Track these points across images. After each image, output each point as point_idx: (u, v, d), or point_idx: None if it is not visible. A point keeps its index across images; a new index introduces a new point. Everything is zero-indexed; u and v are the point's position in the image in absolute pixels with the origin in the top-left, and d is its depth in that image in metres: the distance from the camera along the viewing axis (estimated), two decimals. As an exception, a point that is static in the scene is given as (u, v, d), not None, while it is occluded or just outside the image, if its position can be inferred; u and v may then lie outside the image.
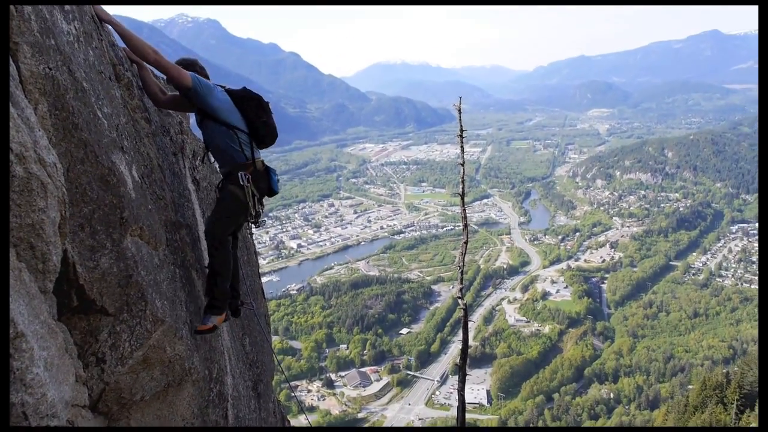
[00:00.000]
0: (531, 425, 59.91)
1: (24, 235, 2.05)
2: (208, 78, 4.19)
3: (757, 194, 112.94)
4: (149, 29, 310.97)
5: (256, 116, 4.10)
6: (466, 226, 8.52)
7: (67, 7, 2.68)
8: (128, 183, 2.84)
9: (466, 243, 8.50)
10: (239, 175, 3.96)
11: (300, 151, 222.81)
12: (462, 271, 8.51)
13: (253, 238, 8.13)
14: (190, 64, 4.13)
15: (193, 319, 3.61)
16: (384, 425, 62.64)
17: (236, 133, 4.00)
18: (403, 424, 62.47)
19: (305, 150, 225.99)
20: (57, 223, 2.26)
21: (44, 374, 2.09)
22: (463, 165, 8.45)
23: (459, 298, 8.44)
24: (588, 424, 59.84)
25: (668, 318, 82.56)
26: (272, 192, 4.34)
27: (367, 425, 62.89)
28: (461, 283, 8.56)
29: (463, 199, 8.49)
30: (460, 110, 8.42)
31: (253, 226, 4.79)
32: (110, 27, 3.64)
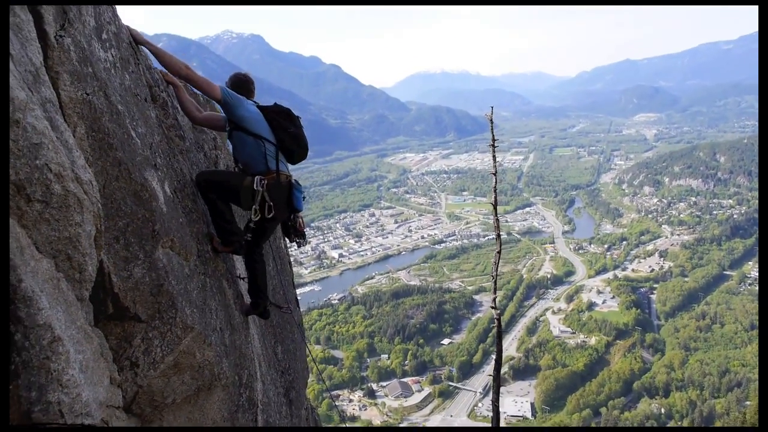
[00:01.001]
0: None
1: (62, 247, 2.24)
2: (252, 91, 4.44)
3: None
4: (196, 46, 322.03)
5: (283, 127, 4.22)
6: (498, 236, 8.50)
7: (104, 36, 2.90)
8: (160, 198, 3.03)
9: (499, 252, 8.48)
10: (256, 179, 4.07)
11: (341, 162, 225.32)
12: (495, 280, 8.47)
13: (287, 248, 8.34)
14: (243, 81, 4.41)
15: (224, 327, 3.78)
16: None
17: (263, 143, 4.12)
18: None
19: (346, 160, 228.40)
20: (93, 236, 2.45)
21: (79, 376, 2.27)
22: (495, 174, 8.45)
23: (492, 307, 8.40)
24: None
25: (723, 330, 78.97)
26: (293, 209, 4.44)
27: None
28: (495, 293, 8.53)
29: (495, 208, 8.47)
30: (491, 120, 8.42)
31: (295, 244, 4.98)
32: (145, 48, 3.89)
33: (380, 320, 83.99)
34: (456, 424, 63.58)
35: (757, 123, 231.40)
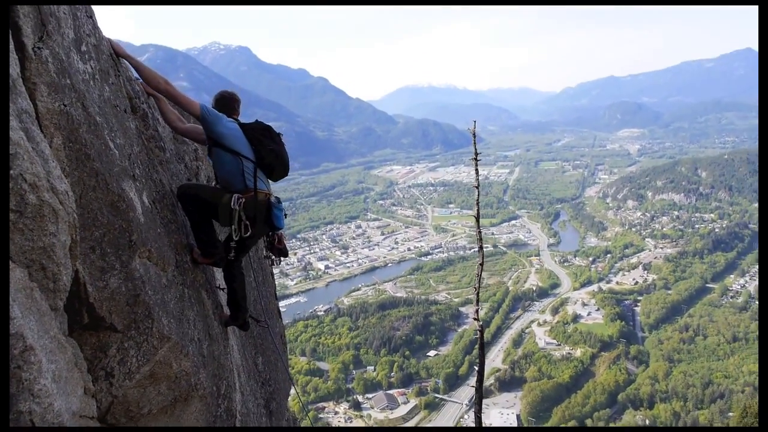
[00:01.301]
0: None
1: (36, 257, 2.25)
2: (237, 110, 4.44)
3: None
4: (183, 57, 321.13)
5: (263, 144, 4.19)
6: (481, 248, 8.56)
7: (83, 47, 2.93)
8: (137, 208, 3.05)
9: (481, 265, 8.54)
10: (233, 196, 4.03)
11: (328, 174, 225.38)
12: (478, 292, 8.53)
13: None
14: (228, 99, 4.42)
15: (202, 337, 3.78)
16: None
17: (241, 160, 4.09)
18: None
19: (333, 172, 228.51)
20: (68, 246, 2.46)
21: (52, 385, 2.27)
22: (478, 188, 8.54)
23: (475, 319, 8.45)
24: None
25: (706, 342, 79.76)
26: (273, 227, 4.43)
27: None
28: (477, 305, 8.58)
29: (478, 221, 8.55)
30: (474, 134, 8.53)
31: (275, 261, 4.97)
32: (126, 62, 3.91)
33: (366, 332, 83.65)
34: (442, 437, 63.26)
35: (737, 139, 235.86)
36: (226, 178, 4.19)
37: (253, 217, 4.16)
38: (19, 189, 2.08)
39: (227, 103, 4.41)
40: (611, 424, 62.38)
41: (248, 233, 4.12)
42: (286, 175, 4.56)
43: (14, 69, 2.27)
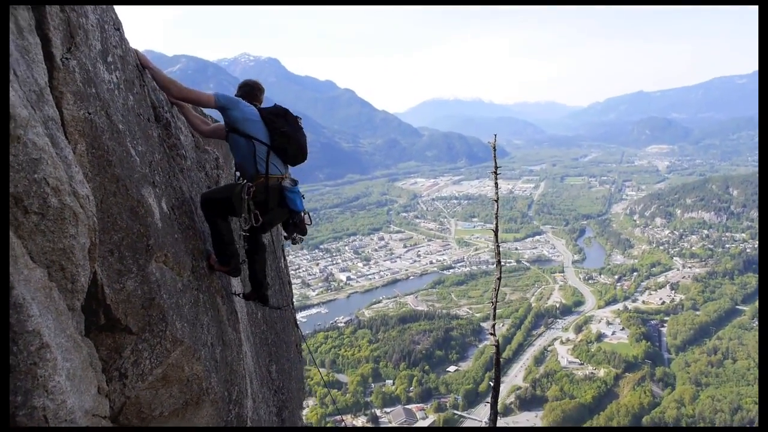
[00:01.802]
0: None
1: (56, 257, 2.34)
2: (259, 99, 4.53)
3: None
4: (214, 68, 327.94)
5: (277, 127, 4.25)
6: (499, 262, 8.53)
7: (109, 58, 3.06)
8: (156, 213, 3.14)
9: (499, 279, 8.49)
10: (244, 186, 4.11)
11: (352, 185, 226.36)
12: (495, 307, 8.47)
13: (288, 268, 8.42)
14: (251, 87, 4.52)
15: (215, 342, 3.85)
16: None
17: (254, 143, 4.15)
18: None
19: (357, 184, 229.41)
20: (87, 248, 2.55)
21: (66, 383, 2.34)
22: (497, 201, 8.52)
23: (491, 334, 8.38)
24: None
25: (735, 366, 77.36)
26: (291, 211, 4.47)
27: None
28: (494, 319, 8.52)
29: (496, 234, 8.52)
30: (494, 147, 8.54)
31: (290, 244, 4.98)
32: (147, 69, 4.04)
33: (386, 345, 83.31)
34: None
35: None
36: (241, 164, 4.28)
37: (264, 202, 4.20)
38: (42, 192, 2.17)
39: (250, 90, 4.51)
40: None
41: (259, 222, 4.19)
42: (304, 158, 4.57)
43: (42, 78, 2.39)
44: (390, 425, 67.76)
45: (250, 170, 4.22)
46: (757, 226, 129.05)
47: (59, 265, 2.36)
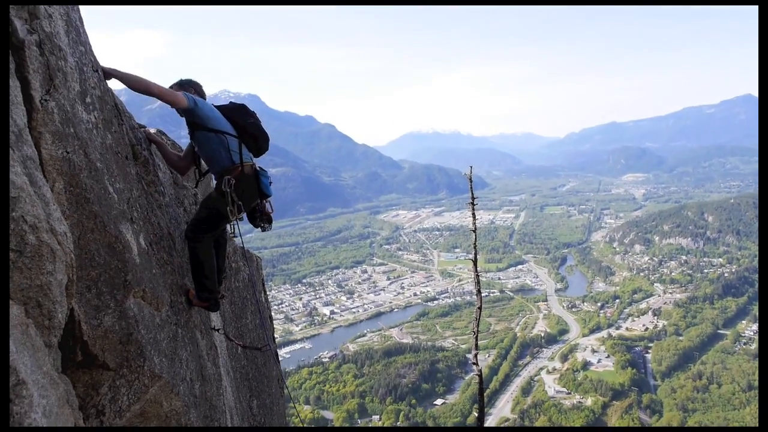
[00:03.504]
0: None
1: (33, 294, 2.37)
2: (204, 94, 4.68)
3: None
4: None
5: (242, 121, 4.47)
6: (479, 291, 8.62)
7: (88, 99, 3.14)
8: (134, 249, 3.18)
9: (480, 308, 8.57)
10: (223, 179, 4.25)
11: (334, 218, 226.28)
12: (476, 336, 8.52)
13: (269, 303, 8.38)
14: (187, 82, 4.63)
15: (194, 377, 3.84)
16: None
17: (225, 137, 4.34)
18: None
19: (339, 217, 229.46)
20: (64, 284, 2.58)
21: (42, 420, 2.34)
22: (475, 231, 8.65)
23: (474, 364, 8.41)
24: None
25: (720, 391, 77.62)
26: (263, 194, 4.60)
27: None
28: (476, 349, 8.55)
29: (475, 264, 8.62)
30: (471, 179, 8.72)
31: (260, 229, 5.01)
32: (115, 78, 4.08)
33: (372, 379, 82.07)
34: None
35: (742, 183, 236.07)
36: (211, 156, 4.42)
37: (242, 192, 4.35)
38: (20, 230, 2.21)
39: (200, 88, 4.69)
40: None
41: (242, 213, 4.37)
42: (268, 148, 4.77)
43: (21, 119, 2.45)
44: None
45: (223, 163, 4.38)
46: (733, 251, 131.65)
47: (36, 302, 2.38)
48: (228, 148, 4.36)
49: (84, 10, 3.33)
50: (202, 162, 4.82)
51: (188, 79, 4.68)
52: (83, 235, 2.81)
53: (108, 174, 3.16)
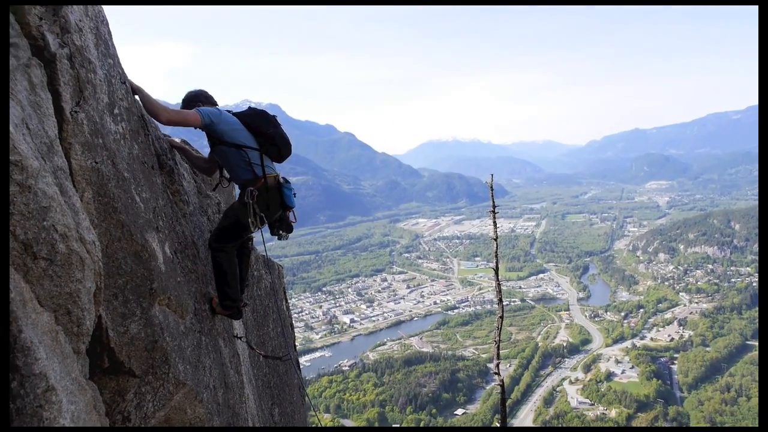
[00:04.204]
0: None
1: (62, 301, 2.42)
2: (215, 103, 4.61)
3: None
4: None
5: (262, 130, 4.40)
6: (500, 300, 8.54)
7: (116, 110, 3.21)
8: (159, 258, 3.23)
9: (501, 317, 8.49)
10: (246, 191, 4.24)
11: (353, 227, 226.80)
12: (498, 346, 8.44)
13: (290, 311, 8.42)
14: (194, 96, 4.58)
15: (217, 385, 3.87)
16: None
17: (245, 151, 4.30)
18: None
19: (358, 225, 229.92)
20: (92, 292, 2.63)
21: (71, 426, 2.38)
22: (496, 240, 8.59)
23: (496, 374, 8.33)
24: None
25: (750, 404, 75.47)
26: (286, 206, 4.57)
27: None
28: (498, 358, 8.47)
29: (497, 273, 8.56)
30: (492, 187, 8.68)
31: (278, 238, 4.98)
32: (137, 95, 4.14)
33: (392, 388, 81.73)
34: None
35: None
36: (232, 169, 4.41)
37: (265, 203, 4.35)
38: (50, 239, 2.27)
39: (211, 98, 4.62)
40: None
41: (264, 225, 4.37)
42: (290, 153, 4.72)
43: (53, 131, 2.52)
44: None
45: (245, 176, 4.36)
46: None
47: (65, 309, 2.43)
48: (249, 162, 4.33)
49: (113, 22, 3.42)
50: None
51: (194, 93, 4.60)
52: (111, 243, 2.86)
53: (135, 183, 3.22)
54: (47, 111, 2.50)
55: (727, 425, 70.71)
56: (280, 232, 4.81)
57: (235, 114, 4.46)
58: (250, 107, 4.59)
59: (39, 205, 2.19)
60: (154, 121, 4.18)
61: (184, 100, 4.58)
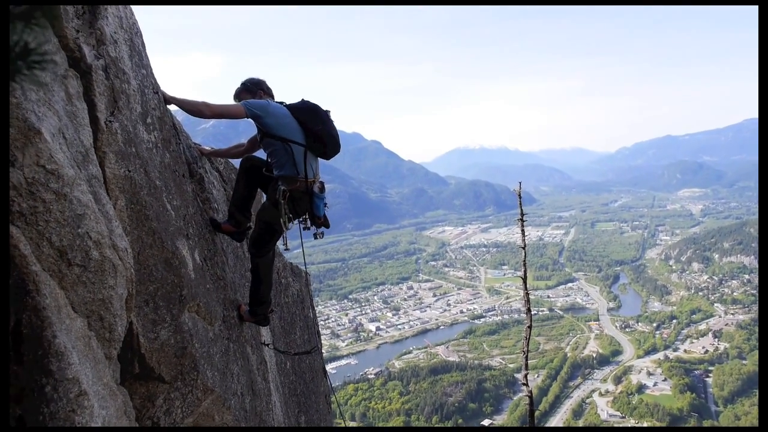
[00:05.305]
0: None
1: (95, 308, 2.46)
2: (270, 92, 4.59)
3: None
4: (244, 122, 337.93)
5: (310, 126, 4.31)
6: (529, 310, 8.42)
7: (149, 120, 3.28)
8: (189, 265, 3.27)
9: (530, 327, 8.37)
10: (278, 189, 4.20)
11: (380, 234, 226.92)
12: (526, 356, 8.31)
13: (316, 318, 8.45)
14: (255, 84, 4.57)
15: (245, 392, 3.89)
16: None
17: (290, 146, 4.24)
18: None
19: (385, 233, 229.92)
20: (124, 298, 2.67)
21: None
22: (524, 248, 8.49)
23: (524, 384, 8.20)
24: None
25: (789, 420, 72.82)
26: (313, 216, 4.51)
27: None
28: (526, 369, 8.34)
29: (525, 282, 8.45)
30: (519, 195, 8.59)
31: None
32: (173, 104, 4.17)
33: (417, 397, 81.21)
34: None
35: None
36: (276, 161, 4.36)
37: (294, 206, 4.32)
38: (84, 246, 2.31)
39: (261, 85, 4.58)
40: None
41: (290, 227, 4.34)
42: (338, 151, 4.66)
43: (88, 140, 2.58)
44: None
45: (287, 171, 4.30)
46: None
47: (98, 315, 2.47)
48: (293, 158, 4.27)
49: (146, 34, 3.49)
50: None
51: (253, 81, 4.58)
52: (142, 250, 2.91)
53: (166, 191, 3.27)
54: (83, 121, 2.56)
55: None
56: (317, 229, 4.68)
57: (287, 106, 4.40)
58: (303, 99, 4.50)
59: (74, 212, 2.24)
60: (186, 130, 4.27)
61: (244, 83, 4.57)
